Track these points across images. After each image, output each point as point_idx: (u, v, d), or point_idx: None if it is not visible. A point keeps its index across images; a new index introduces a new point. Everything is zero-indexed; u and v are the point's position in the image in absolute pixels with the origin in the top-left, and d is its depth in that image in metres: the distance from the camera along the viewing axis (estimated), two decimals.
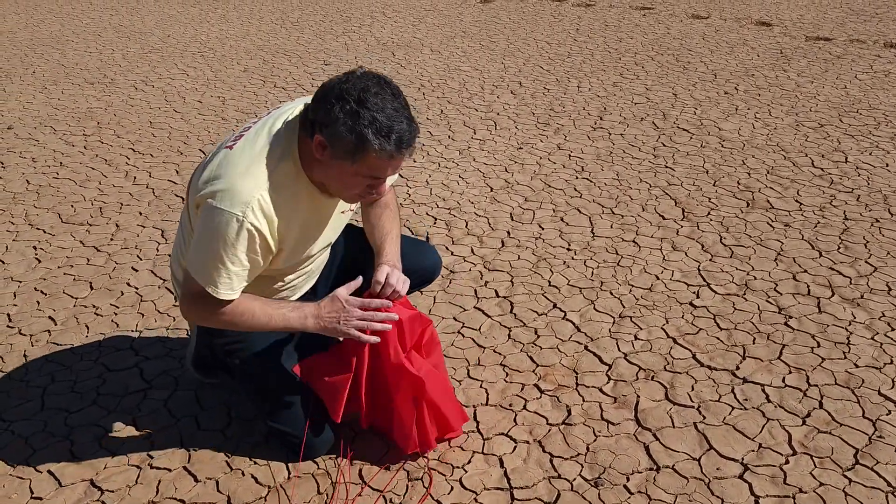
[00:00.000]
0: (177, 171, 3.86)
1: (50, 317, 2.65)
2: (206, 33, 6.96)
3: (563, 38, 6.50)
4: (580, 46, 6.22)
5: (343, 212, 1.93)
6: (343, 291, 1.80)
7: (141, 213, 3.41)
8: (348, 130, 1.58)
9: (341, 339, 1.87)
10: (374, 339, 1.80)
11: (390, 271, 1.85)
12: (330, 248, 2.07)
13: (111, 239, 3.19)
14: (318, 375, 1.91)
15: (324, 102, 1.61)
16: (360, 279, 1.83)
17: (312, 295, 2.10)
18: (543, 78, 5.39)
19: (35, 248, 3.13)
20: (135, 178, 3.80)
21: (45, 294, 2.79)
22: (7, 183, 3.76)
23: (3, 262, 3.02)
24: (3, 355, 2.44)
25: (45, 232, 3.26)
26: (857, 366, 2.31)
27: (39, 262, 3.01)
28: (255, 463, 1.98)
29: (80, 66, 5.86)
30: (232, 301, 1.73)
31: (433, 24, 7.16)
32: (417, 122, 1.67)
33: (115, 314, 2.66)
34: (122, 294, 2.78)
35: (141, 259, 3.02)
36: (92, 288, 2.82)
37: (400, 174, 3.42)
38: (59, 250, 3.10)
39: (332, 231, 1.94)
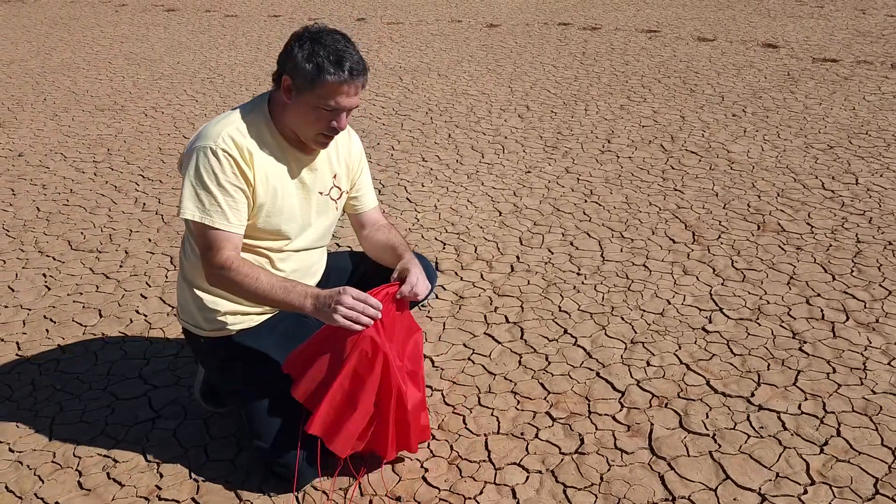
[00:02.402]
0: (180, 195, 3.87)
1: (59, 345, 2.64)
2: (215, 60, 7.03)
3: (569, 62, 6.53)
4: (587, 70, 6.25)
5: (322, 193, 1.98)
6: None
7: (150, 240, 3.42)
8: (306, 60, 1.77)
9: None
10: (358, 327, 1.74)
11: (420, 274, 1.89)
12: (319, 261, 2.08)
13: (120, 266, 3.19)
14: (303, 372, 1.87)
15: (285, 51, 1.83)
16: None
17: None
18: (550, 101, 5.40)
19: (45, 275, 3.13)
20: (144, 204, 3.82)
21: (55, 322, 2.78)
22: (18, 210, 3.78)
23: (13, 290, 3.02)
24: (11, 384, 2.44)
25: (54, 259, 3.26)
26: (874, 392, 2.27)
27: (49, 289, 3.02)
28: (264, 493, 1.95)
29: (91, 94, 5.92)
30: (232, 238, 1.81)
31: (440, 49, 7.21)
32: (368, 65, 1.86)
33: (124, 342, 2.65)
34: (131, 322, 2.77)
35: (150, 286, 3.02)
36: (101, 315, 2.82)
37: (412, 204, 3.41)
38: (68, 277, 3.10)
39: (310, 208, 1.97)
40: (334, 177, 2.03)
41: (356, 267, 2.23)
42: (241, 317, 1.98)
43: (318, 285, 2.11)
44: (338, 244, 3.33)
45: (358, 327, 1.75)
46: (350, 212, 2.15)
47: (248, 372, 1.95)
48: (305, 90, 1.79)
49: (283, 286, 1.79)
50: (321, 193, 2.00)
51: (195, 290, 1.97)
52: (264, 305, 1.95)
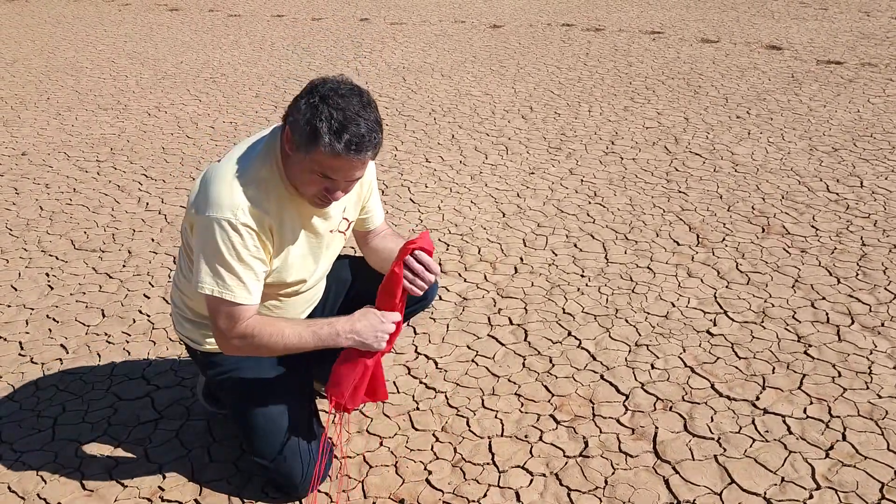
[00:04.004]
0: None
1: (62, 345, 2.64)
2: (218, 59, 7.03)
3: (573, 63, 6.52)
4: (590, 71, 6.24)
5: (332, 230, 1.91)
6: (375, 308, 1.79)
7: (153, 240, 3.41)
8: (306, 122, 1.60)
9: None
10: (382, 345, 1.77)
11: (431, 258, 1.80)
12: (323, 282, 2.05)
13: (124, 265, 3.19)
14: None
15: (295, 99, 1.66)
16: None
17: None
18: (554, 102, 5.39)
19: (48, 274, 3.12)
20: (147, 203, 3.81)
21: (58, 322, 2.78)
22: (21, 209, 3.78)
23: (16, 289, 3.01)
24: (14, 384, 2.43)
25: (57, 259, 3.26)
26: (879, 396, 2.26)
27: (52, 289, 3.01)
28: (267, 495, 1.95)
29: (95, 93, 5.92)
30: (252, 310, 1.72)
31: (443, 49, 7.21)
32: (381, 135, 1.65)
33: (127, 342, 2.64)
34: (134, 322, 2.77)
35: (153, 286, 3.01)
36: (104, 315, 2.81)
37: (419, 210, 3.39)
38: (71, 277, 3.10)
39: (321, 251, 1.90)
40: (343, 210, 1.93)
41: (355, 277, 2.16)
42: None
43: (321, 300, 2.09)
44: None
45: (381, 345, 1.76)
46: (358, 228, 2.06)
47: (243, 388, 1.92)
48: (301, 150, 1.63)
49: (312, 332, 1.74)
50: (331, 232, 1.91)
51: (192, 313, 1.94)
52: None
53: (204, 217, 1.68)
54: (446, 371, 2.45)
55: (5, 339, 2.67)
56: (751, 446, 2.07)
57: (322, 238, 1.89)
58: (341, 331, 1.74)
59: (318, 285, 2.03)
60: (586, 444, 2.11)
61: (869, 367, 2.40)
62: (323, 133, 1.57)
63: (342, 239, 1.98)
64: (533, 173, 4.11)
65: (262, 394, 1.90)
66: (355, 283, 2.16)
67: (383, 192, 3.88)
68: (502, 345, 2.58)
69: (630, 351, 2.52)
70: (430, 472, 2.01)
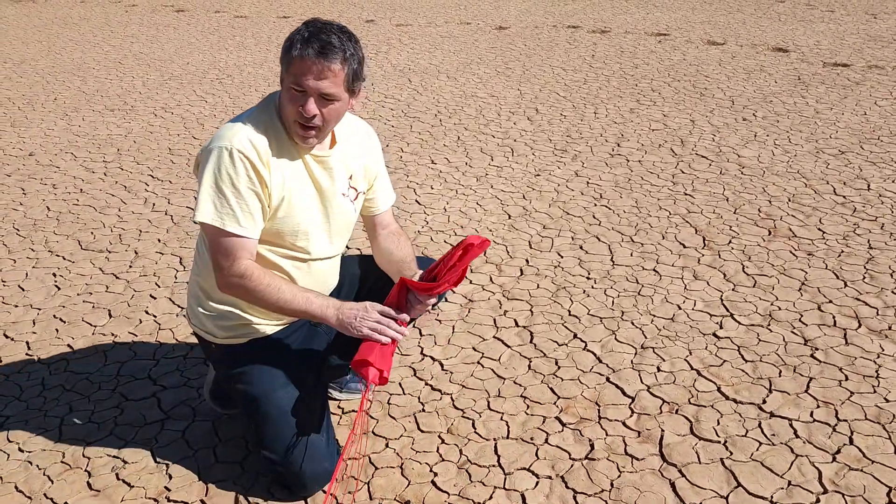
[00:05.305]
0: (195, 198, 3.87)
1: (69, 345, 2.65)
2: (224, 60, 7.04)
3: (578, 65, 6.52)
4: (596, 73, 6.24)
5: (344, 194, 1.96)
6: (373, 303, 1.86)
7: (160, 240, 3.42)
8: (287, 38, 1.79)
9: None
10: (385, 339, 1.80)
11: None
12: (337, 265, 2.07)
13: (130, 266, 3.19)
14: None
15: None
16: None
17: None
18: (560, 104, 5.39)
19: (55, 275, 3.13)
20: (154, 204, 3.82)
21: (64, 322, 2.79)
22: (28, 209, 3.79)
23: (23, 289, 3.02)
24: (21, 384, 2.44)
25: (64, 259, 3.27)
26: (887, 400, 2.25)
27: (59, 289, 3.02)
28: (273, 495, 1.95)
29: (101, 94, 5.94)
30: (249, 245, 1.80)
31: (449, 51, 7.21)
32: (357, 57, 1.81)
33: (134, 342, 2.65)
34: (141, 322, 2.77)
35: (159, 286, 3.02)
36: (111, 316, 2.82)
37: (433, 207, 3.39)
38: (78, 277, 3.11)
39: (328, 210, 1.94)
40: (350, 177, 1.99)
41: (366, 275, 2.20)
42: (253, 327, 1.96)
43: (333, 293, 2.10)
44: (347, 246, 3.32)
45: (384, 339, 1.79)
46: (364, 213, 2.12)
47: (257, 381, 1.93)
48: (282, 69, 1.80)
49: (305, 296, 1.83)
50: (343, 195, 1.97)
51: (210, 302, 1.95)
52: (281, 314, 1.94)
53: (205, 150, 1.81)
54: (452, 373, 2.45)
55: (12, 339, 2.68)
56: (757, 450, 2.07)
57: (326, 194, 1.93)
58: (331, 305, 1.82)
59: (332, 262, 2.04)
60: (592, 446, 2.10)
61: (876, 371, 2.39)
62: (296, 41, 1.74)
63: (352, 210, 2.01)
64: (538, 175, 4.11)
65: (277, 389, 1.92)
66: (366, 281, 2.19)
67: None
68: (508, 347, 2.58)
69: (636, 353, 2.52)
70: (435, 474, 2.01)
